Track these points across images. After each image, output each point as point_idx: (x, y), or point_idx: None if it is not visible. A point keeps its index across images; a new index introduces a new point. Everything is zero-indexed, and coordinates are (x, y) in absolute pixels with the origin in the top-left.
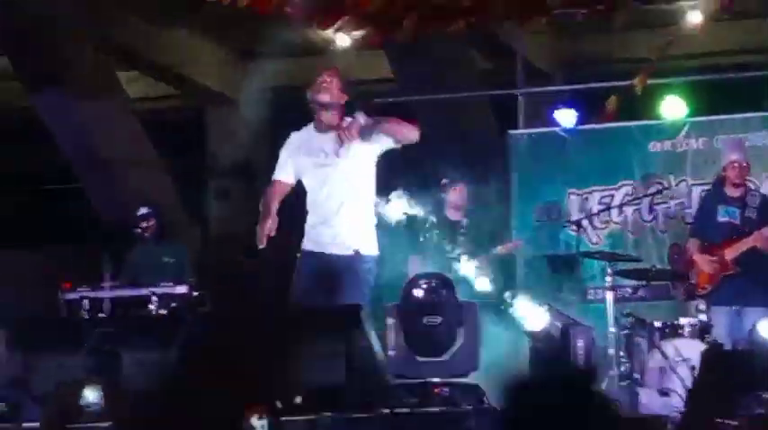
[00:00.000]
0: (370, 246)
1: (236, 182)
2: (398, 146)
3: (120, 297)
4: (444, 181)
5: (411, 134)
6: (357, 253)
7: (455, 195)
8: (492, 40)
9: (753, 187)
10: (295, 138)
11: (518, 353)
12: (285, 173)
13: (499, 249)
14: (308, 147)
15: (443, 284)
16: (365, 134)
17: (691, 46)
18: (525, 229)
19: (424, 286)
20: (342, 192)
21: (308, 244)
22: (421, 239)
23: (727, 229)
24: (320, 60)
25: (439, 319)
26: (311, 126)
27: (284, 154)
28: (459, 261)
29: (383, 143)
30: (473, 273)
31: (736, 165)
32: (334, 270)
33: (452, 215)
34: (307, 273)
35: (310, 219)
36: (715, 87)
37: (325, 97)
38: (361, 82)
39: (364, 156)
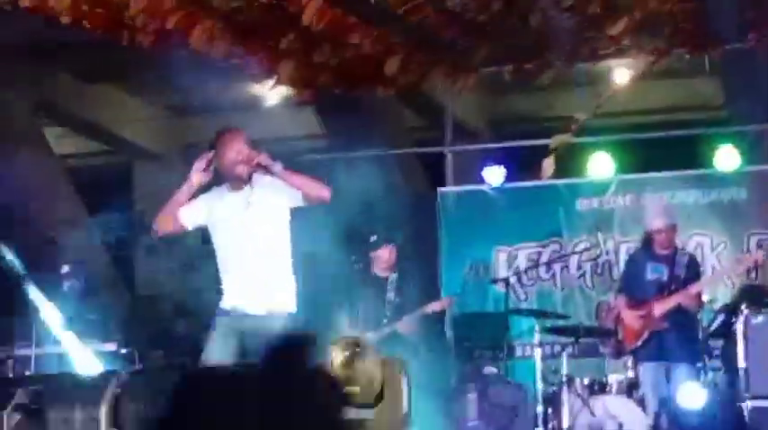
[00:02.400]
0: (284, 303)
1: (164, 239)
2: (307, 203)
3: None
4: (373, 238)
5: (322, 193)
6: (269, 312)
7: (384, 253)
8: (421, 97)
9: (680, 246)
10: (207, 195)
11: None
12: (191, 211)
13: (431, 306)
14: (219, 204)
15: (359, 350)
16: (274, 176)
17: (618, 104)
18: (454, 286)
19: (339, 357)
20: (251, 247)
21: (224, 302)
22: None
23: (655, 287)
24: (249, 116)
25: (357, 387)
26: (224, 187)
27: (198, 200)
28: (390, 318)
29: (292, 198)
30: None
31: (662, 231)
32: (246, 329)
33: (380, 272)
34: (219, 333)
35: (225, 277)
36: (642, 145)
37: (234, 158)
38: (290, 138)
39: (273, 209)
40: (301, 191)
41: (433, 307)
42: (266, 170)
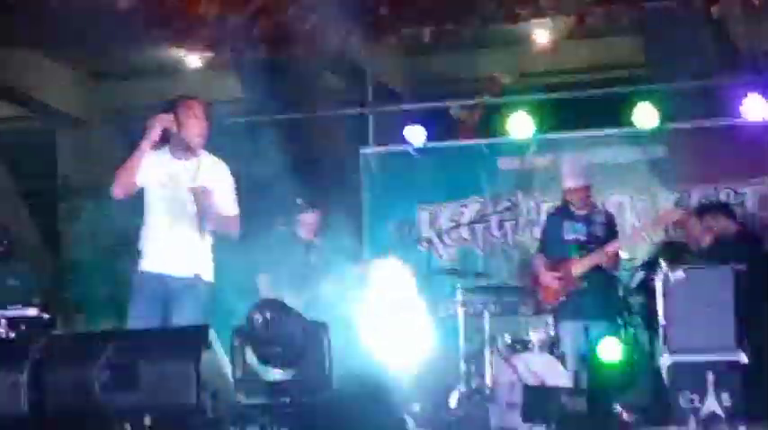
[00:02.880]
0: (208, 272)
1: (88, 203)
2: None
3: None
4: (299, 201)
5: (232, 232)
6: (197, 276)
7: (309, 218)
8: (343, 59)
9: (599, 205)
10: (152, 155)
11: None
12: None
13: (354, 269)
14: (164, 168)
15: (281, 312)
16: (205, 208)
17: (539, 64)
18: (378, 247)
19: (260, 318)
20: (188, 215)
21: (146, 263)
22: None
23: (574, 246)
24: (171, 81)
25: (279, 349)
26: (166, 150)
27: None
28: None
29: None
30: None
31: (573, 190)
32: (174, 292)
33: (305, 235)
34: (145, 293)
35: (151, 240)
36: (563, 105)
37: (195, 129)
38: (212, 101)
39: (213, 186)
40: (215, 225)
41: (358, 269)
42: (201, 194)
